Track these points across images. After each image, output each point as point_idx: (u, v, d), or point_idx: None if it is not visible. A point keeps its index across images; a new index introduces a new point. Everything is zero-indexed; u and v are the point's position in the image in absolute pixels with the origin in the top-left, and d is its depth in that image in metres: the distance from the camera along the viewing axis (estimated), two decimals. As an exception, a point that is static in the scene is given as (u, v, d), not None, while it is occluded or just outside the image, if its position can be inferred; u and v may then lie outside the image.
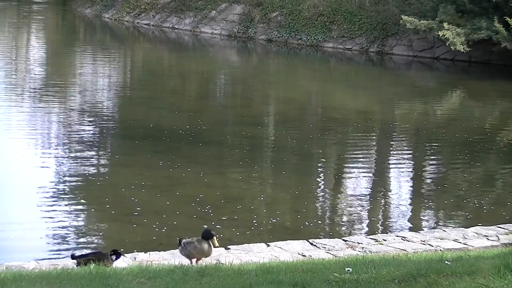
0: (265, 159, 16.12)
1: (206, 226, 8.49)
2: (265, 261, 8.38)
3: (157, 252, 8.99)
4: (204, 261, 8.26)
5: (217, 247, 8.16)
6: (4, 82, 22.84)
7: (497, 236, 10.15)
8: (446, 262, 7.20)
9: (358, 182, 14.79)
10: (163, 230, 11.00)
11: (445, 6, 31.12)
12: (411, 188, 14.73)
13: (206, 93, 24.97)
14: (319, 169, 15.81)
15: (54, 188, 12.92)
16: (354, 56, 34.29)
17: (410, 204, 13.61)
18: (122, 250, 8.47)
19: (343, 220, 12.41)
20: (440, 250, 9.37)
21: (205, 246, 7.97)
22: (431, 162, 17.03)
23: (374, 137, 19.44)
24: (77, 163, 14.61)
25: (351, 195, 13.71)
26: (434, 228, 11.77)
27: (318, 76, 30.69)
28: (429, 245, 9.64)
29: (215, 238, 8.10)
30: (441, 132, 20.00)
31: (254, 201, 12.84)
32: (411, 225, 12.22)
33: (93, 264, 7.65)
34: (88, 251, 9.27)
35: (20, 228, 11.12)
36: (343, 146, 17.88)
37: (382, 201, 13.55)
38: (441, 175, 15.82)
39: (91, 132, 17.55)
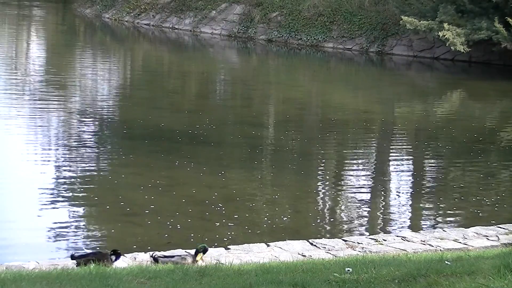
0: (265, 159, 16.12)
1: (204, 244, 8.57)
2: (265, 261, 8.39)
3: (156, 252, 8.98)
4: (204, 261, 8.29)
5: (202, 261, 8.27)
6: (4, 82, 22.83)
7: (497, 236, 10.15)
8: (446, 262, 7.20)
9: (358, 182, 14.78)
10: (164, 230, 10.99)
11: (445, 7, 31.12)
12: (411, 188, 14.72)
13: (206, 93, 24.97)
14: (319, 169, 15.81)
15: (54, 188, 12.92)
16: (354, 56, 34.29)
17: (410, 204, 13.61)
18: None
19: (343, 220, 12.40)
20: (440, 250, 9.37)
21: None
22: (431, 162, 17.03)
23: (374, 137, 19.44)
24: (77, 163, 14.61)
25: (351, 195, 13.71)
26: (434, 228, 11.77)
27: (318, 76, 30.69)
28: (429, 245, 9.64)
29: (200, 254, 8.25)
30: (441, 132, 20.00)
31: (254, 201, 12.83)
32: (411, 225, 12.22)
33: (93, 264, 7.66)
34: (88, 251, 9.27)
35: (20, 228, 11.12)
36: (343, 146, 17.88)
37: (382, 201, 13.55)
38: (441, 174, 15.82)
39: (91, 132, 17.55)
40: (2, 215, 11.61)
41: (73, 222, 11.37)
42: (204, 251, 8.35)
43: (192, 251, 8.55)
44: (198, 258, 8.25)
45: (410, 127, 20.73)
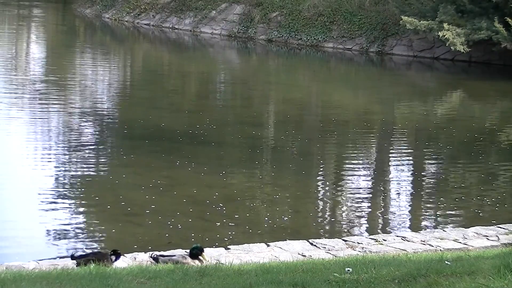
0: (265, 159, 16.11)
1: (199, 245, 8.53)
2: (265, 261, 8.39)
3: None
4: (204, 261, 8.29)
5: (207, 261, 8.20)
6: (4, 82, 22.83)
7: (497, 236, 10.15)
8: (446, 262, 7.20)
9: (358, 182, 14.79)
10: (164, 230, 11.00)
11: (445, 7, 31.11)
12: (411, 188, 14.73)
13: (206, 93, 24.97)
14: (319, 169, 15.81)
15: (54, 188, 12.92)
16: (354, 56, 34.29)
17: (410, 204, 13.61)
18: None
19: (343, 220, 12.41)
20: (440, 250, 9.37)
21: (198, 264, 8.06)
22: (431, 162, 17.03)
23: (374, 137, 19.43)
24: (77, 163, 14.62)
25: (351, 195, 13.71)
26: (434, 228, 11.77)
27: (318, 76, 30.69)
28: (429, 245, 9.64)
29: (204, 253, 8.21)
30: (441, 132, 20.00)
31: (254, 201, 12.84)
32: (411, 225, 12.22)
33: (93, 264, 7.66)
34: (88, 251, 9.27)
35: (20, 228, 11.13)
36: (343, 146, 17.87)
37: (382, 201, 13.56)
38: (441, 175, 15.82)
39: (91, 132, 17.55)
40: (2, 215, 11.61)
41: (73, 222, 11.37)
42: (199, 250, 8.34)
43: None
44: (205, 258, 8.23)
45: (410, 127, 20.72)
